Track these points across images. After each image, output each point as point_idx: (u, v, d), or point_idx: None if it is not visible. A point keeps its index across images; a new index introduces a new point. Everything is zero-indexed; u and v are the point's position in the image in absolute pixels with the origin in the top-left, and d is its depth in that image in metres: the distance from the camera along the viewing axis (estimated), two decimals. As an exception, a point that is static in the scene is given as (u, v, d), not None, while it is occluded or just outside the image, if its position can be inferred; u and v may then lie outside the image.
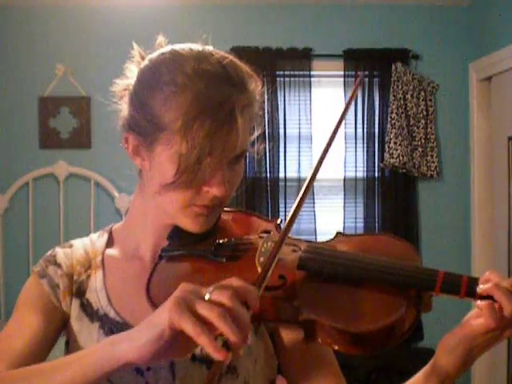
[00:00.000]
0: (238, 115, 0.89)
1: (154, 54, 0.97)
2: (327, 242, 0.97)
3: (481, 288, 0.82)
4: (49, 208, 3.70)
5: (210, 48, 0.96)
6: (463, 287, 0.81)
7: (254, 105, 0.96)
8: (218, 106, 0.87)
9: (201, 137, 0.86)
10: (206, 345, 0.68)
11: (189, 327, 0.69)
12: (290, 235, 0.89)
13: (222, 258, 0.94)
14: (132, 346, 0.73)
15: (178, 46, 0.96)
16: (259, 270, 0.89)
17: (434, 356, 0.90)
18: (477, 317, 0.85)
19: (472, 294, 0.82)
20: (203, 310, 0.70)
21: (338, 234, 0.98)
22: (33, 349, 0.96)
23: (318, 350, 0.99)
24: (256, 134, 1.03)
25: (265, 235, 0.97)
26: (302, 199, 0.88)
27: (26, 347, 0.95)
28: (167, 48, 0.97)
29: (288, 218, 0.87)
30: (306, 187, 0.89)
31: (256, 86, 0.96)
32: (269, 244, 0.93)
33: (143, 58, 0.99)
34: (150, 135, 0.92)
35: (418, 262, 0.88)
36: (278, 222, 1.02)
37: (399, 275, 0.84)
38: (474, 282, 0.82)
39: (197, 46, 0.96)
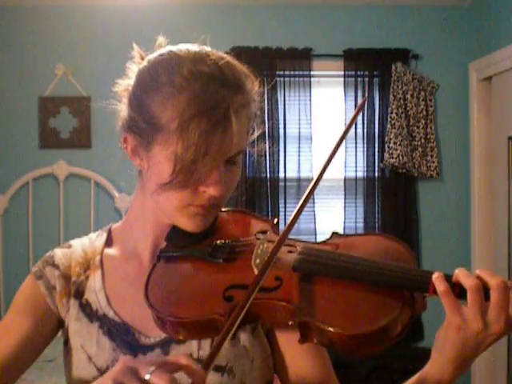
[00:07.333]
0: (232, 116, 0.89)
1: (153, 55, 0.98)
2: (323, 242, 0.97)
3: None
4: (49, 208, 3.71)
5: (207, 49, 0.96)
6: (456, 288, 0.81)
7: (251, 105, 0.96)
8: (214, 107, 0.88)
9: (196, 137, 0.87)
10: None
11: None
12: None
13: (218, 259, 0.94)
14: None
15: (175, 47, 0.96)
16: (255, 271, 0.89)
17: (429, 359, 0.89)
18: None
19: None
20: None
21: (334, 234, 0.99)
22: (19, 353, 0.97)
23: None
24: (256, 134, 1.03)
25: (261, 236, 0.97)
26: (303, 204, 0.89)
27: (11, 351, 0.96)
28: (165, 49, 0.97)
29: (288, 222, 0.87)
30: (308, 194, 0.90)
31: (253, 86, 0.96)
32: (265, 245, 0.93)
33: (143, 59, 0.99)
34: (148, 136, 0.92)
35: (412, 263, 0.89)
36: (275, 221, 1.03)
37: (393, 277, 0.84)
38: None
39: (194, 47, 0.96)
